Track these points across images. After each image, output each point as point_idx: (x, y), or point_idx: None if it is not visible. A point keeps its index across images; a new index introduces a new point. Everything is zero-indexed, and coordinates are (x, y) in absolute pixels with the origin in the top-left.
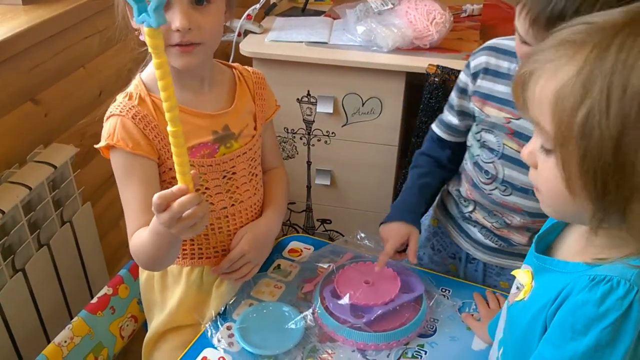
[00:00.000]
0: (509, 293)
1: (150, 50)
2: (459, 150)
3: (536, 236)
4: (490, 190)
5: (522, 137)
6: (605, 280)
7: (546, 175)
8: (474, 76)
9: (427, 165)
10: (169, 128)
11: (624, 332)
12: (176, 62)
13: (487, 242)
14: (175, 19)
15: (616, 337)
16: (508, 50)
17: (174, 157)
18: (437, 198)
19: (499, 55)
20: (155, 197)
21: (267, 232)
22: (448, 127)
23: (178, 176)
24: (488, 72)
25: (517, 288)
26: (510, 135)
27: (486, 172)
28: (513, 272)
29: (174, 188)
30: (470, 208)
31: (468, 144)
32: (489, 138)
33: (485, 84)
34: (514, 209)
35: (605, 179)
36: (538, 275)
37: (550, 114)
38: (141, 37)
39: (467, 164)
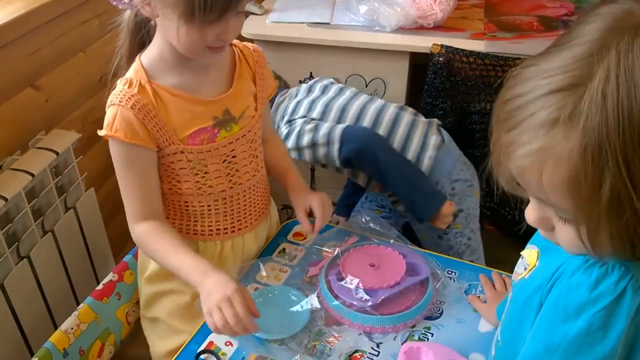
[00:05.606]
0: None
1: None
2: None
3: None
4: None
5: None
6: (600, 264)
7: (566, 238)
8: None
9: None
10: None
11: (616, 318)
12: (205, 58)
13: None
14: (228, 33)
15: (608, 322)
16: None
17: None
18: None
19: None
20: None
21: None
22: None
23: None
24: None
25: (525, 268)
26: None
27: None
28: (522, 252)
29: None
30: None
31: None
32: None
33: None
34: None
35: (634, 240)
36: (543, 255)
37: (570, 197)
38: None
39: None
